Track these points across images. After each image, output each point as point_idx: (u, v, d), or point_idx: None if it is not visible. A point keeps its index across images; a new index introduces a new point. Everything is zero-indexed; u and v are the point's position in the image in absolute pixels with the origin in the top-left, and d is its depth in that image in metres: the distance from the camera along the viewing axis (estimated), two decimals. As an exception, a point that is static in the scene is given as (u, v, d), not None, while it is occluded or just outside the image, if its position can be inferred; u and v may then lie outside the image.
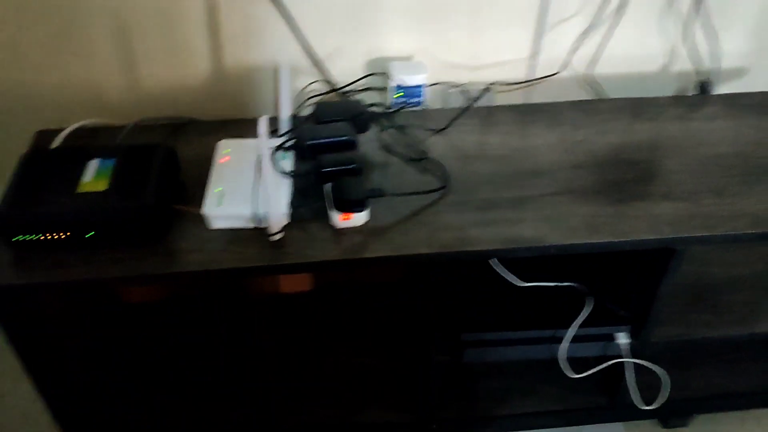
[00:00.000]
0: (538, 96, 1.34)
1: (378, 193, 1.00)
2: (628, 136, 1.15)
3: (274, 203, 0.93)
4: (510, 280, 1.19)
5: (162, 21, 1.16)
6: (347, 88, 1.26)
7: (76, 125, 1.14)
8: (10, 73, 1.18)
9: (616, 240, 0.97)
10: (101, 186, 0.95)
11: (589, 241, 0.96)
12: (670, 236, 0.97)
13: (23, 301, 0.98)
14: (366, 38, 1.23)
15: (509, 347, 1.16)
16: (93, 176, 0.97)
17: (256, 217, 0.96)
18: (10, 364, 1.49)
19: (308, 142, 1.02)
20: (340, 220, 0.97)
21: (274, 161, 1.03)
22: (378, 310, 1.39)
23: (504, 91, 1.32)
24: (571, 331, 1.13)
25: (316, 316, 1.38)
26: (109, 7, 1.13)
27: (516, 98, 1.34)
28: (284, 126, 1.10)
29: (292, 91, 1.27)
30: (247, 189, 0.99)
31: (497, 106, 1.24)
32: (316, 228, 0.99)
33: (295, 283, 1.44)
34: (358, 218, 0.98)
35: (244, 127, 1.18)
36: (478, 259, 0.95)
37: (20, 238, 0.91)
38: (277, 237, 0.96)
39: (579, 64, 1.31)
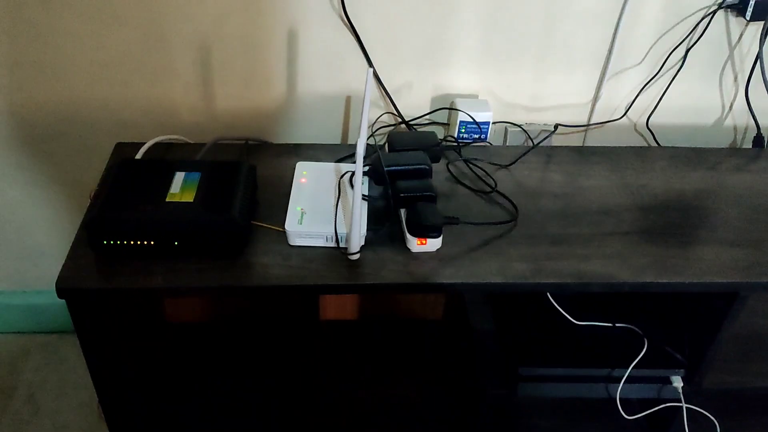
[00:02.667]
0: (593, 141, 1.38)
1: (453, 221, 1.02)
2: (689, 183, 1.19)
3: (356, 224, 0.95)
4: (567, 318, 1.21)
5: (243, 46, 1.20)
6: (415, 121, 1.30)
7: (155, 140, 1.18)
8: (94, 87, 1.22)
9: (685, 281, 0.99)
10: (188, 197, 0.98)
11: (659, 281, 0.98)
12: (739, 281, 0.99)
13: (103, 305, 0.99)
14: (433, 75, 1.28)
15: (564, 384, 1.17)
16: (180, 188, 1.00)
17: (335, 237, 0.99)
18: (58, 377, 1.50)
19: (387, 168, 1.05)
20: (416, 244, 1.00)
21: (353, 185, 1.07)
22: (432, 343, 1.41)
23: (562, 133, 1.36)
24: (628, 371, 1.14)
25: (368, 346, 1.39)
26: (194, 30, 1.18)
27: (570, 141, 1.38)
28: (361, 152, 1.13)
29: (360, 121, 1.31)
30: (326, 209, 1.02)
31: (557, 147, 1.28)
32: (391, 251, 1.01)
33: (344, 311, 1.46)
34: (433, 244, 1.00)
35: (313, 151, 1.22)
36: (553, 292, 0.97)
37: (110, 242, 0.94)
38: (356, 257, 0.98)
39: (634, 112, 1.36)
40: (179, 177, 1.02)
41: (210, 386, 1.32)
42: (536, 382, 1.16)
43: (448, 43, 1.24)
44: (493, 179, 1.16)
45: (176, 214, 0.95)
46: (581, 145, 1.38)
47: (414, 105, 1.31)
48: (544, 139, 1.30)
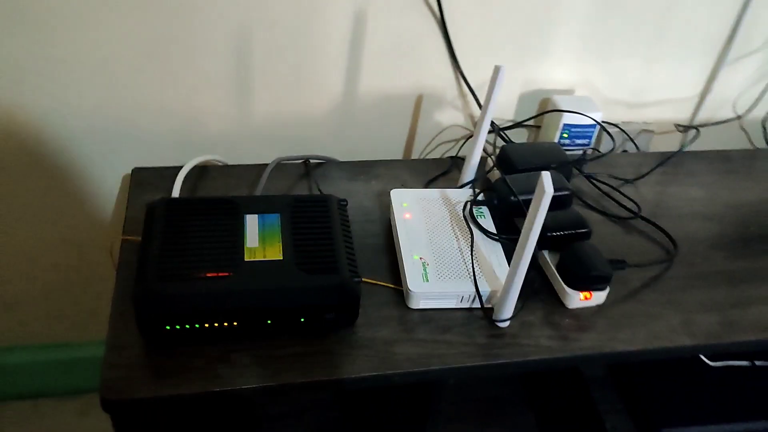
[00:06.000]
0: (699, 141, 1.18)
1: (620, 265, 0.79)
2: None
3: (517, 281, 0.70)
4: (701, 359, 1.00)
5: (294, 36, 0.92)
6: (508, 126, 1.06)
7: (191, 164, 0.88)
8: (93, 93, 0.90)
9: None
10: (274, 254, 0.70)
11: None
12: None
13: (165, 413, 0.71)
14: (523, 67, 1.03)
15: (712, 443, 0.97)
16: (259, 239, 0.72)
17: (478, 296, 0.73)
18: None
19: (521, 197, 0.80)
20: (579, 300, 0.76)
21: (475, 217, 0.81)
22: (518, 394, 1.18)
23: (664, 132, 1.15)
24: (792, 425, 0.95)
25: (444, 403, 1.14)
26: (230, 17, 0.88)
27: (665, 141, 1.17)
28: (471, 174, 0.88)
29: (434, 127, 1.06)
30: (452, 257, 0.76)
31: (683, 153, 1.06)
32: (542, 308, 0.77)
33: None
34: (598, 297, 0.77)
35: (392, 170, 0.96)
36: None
37: (174, 327, 0.65)
38: (506, 325, 0.73)
39: (741, 107, 1.16)
40: (252, 222, 0.74)
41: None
42: (683, 444, 0.95)
43: (546, 28, 0.99)
44: (635, 202, 0.93)
45: (267, 281, 0.67)
46: (682, 146, 1.16)
47: (499, 104, 1.06)
48: (688, 144, 1.07)
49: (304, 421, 1.10)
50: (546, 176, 0.62)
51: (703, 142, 1.13)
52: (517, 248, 0.67)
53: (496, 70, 0.78)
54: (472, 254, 0.76)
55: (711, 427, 0.96)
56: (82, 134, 0.93)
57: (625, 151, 1.11)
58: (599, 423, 0.98)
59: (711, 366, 1.01)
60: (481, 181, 0.90)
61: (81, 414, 1.26)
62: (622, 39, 1.03)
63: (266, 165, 0.92)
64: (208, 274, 0.67)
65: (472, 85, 1.02)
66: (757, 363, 1.03)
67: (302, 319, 0.68)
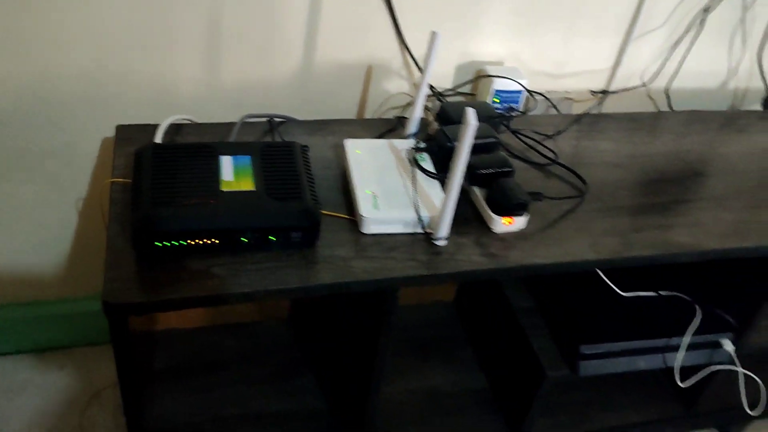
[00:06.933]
0: (606, 107, 1.35)
1: (538, 197, 0.94)
2: (732, 147, 1.18)
3: (450, 206, 0.85)
4: (613, 289, 1.17)
5: (258, 9, 1.05)
6: (447, 92, 1.20)
7: (170, 120, 1.00)
8: (70, 59, 1.01)
9: (772, 245, 0.97)
10: (248, 185, 0.83)
11: (744, 246, 0.96)
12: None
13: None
14: (459, 42, 1.18)
15: (623, 358, 1.13)
16: (233, 174, 0.84)
17: (420, 221, 0.88)
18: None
19: (455, 144, 0.95)
20: (502, 224, 0.91)
21: (417, 161, 0.96)
22: (452, 325, 1.33)
23: (582, 100, 1.31)
24: (689, 339, 1.12)
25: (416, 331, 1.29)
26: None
27: (583, 109, 1.34)
28: (414, 126, 1.02)
29: (382, 94, 1.20)
30: (398, 191, 0.90)
31: (596, 115, 1.23)
32: (472, 233, 0.91)
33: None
34: (519, 223, 0.92)
35: (347, 127, 1.09)
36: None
37: (164, 243, 0.77)
38: (444, 243, 0.88)
39: (649, 76, 1.33)
40: (227, 162, 0.86)
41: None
42: (598, 359, 1.12)
43: (479, 8, 1.15)
44: (553, 151, 1.09)
45: (242, 206, 0.80)
46: (598, 112, 1.33)
47: (438, 74, 1.21)
48: (598, 105, 1.25)
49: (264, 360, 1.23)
50: (470, 111, 0.77)
51: (615, 108, 1.31)
52: (450, 170, 0.81)
53: (433, 35, 0.93)
54: (415, 188, 0.91)
55: (621, 343, 1.13)
56: (65, 99, 1.04)
57: (548, 115, 1.27)
58: (528, 345, 1.13)
59: (623, 296, 1.18)
60: (423, 132, 1.05)
61: (60, 368, 1.35)
62: (545, 17, 1.19)
63: (235, 123, 1.04)
64: (193, 201, 0.79)
65: (415, 57, 1.17)
66: (662, 293, 1.20)
67: (272, 238, 0.81)
